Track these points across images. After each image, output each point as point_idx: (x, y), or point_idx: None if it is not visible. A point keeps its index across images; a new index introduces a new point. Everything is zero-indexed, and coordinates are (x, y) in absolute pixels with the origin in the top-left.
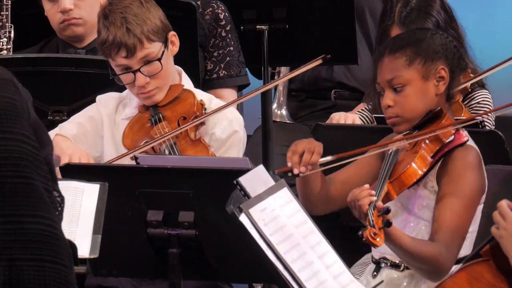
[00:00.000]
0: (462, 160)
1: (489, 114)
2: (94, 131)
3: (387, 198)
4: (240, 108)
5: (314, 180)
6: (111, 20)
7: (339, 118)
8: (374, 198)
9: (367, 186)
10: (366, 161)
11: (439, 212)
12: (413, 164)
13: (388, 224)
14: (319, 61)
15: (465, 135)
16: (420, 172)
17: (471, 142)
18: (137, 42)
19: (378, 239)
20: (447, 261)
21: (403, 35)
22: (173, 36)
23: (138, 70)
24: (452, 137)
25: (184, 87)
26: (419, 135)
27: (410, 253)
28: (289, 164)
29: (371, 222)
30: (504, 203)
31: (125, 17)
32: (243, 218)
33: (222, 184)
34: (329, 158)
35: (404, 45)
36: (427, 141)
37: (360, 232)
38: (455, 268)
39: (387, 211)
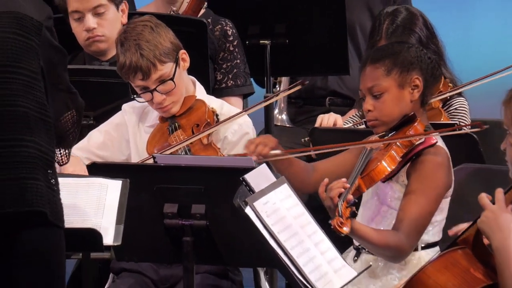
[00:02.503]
0: (431, 160)
1: (466, 118)
2: (120, 137)
3: (358, 191)
4: None
5: (290, 167)
6: (126, 47)
7: (323, 117)
8: (342, 190)
9: (343, 179)
10: (347, 156)
11: (405, 204)
12: (383, 162)
13: (353, 214)
14: (299, 86)
15: (434, 137)
16: (389, 169)
17: (440, 143)
18: (150, 66)
19: (344, 228)
20: (407, 247)
21: (382, 47)
22: (183, 54)
23: (155, 89)
24: (423, 139)
25: (197, 98)
26: (391, 138)
27: (375, 244)
28: (245, 151)
29: (340, 212)
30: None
31: (138, 44)
32: (248, 210)
33: (229, 180)
34: (278, 151)
35: (384, 56)
36: (398, 143)
37: (329, 221)
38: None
39: (354, 203)
